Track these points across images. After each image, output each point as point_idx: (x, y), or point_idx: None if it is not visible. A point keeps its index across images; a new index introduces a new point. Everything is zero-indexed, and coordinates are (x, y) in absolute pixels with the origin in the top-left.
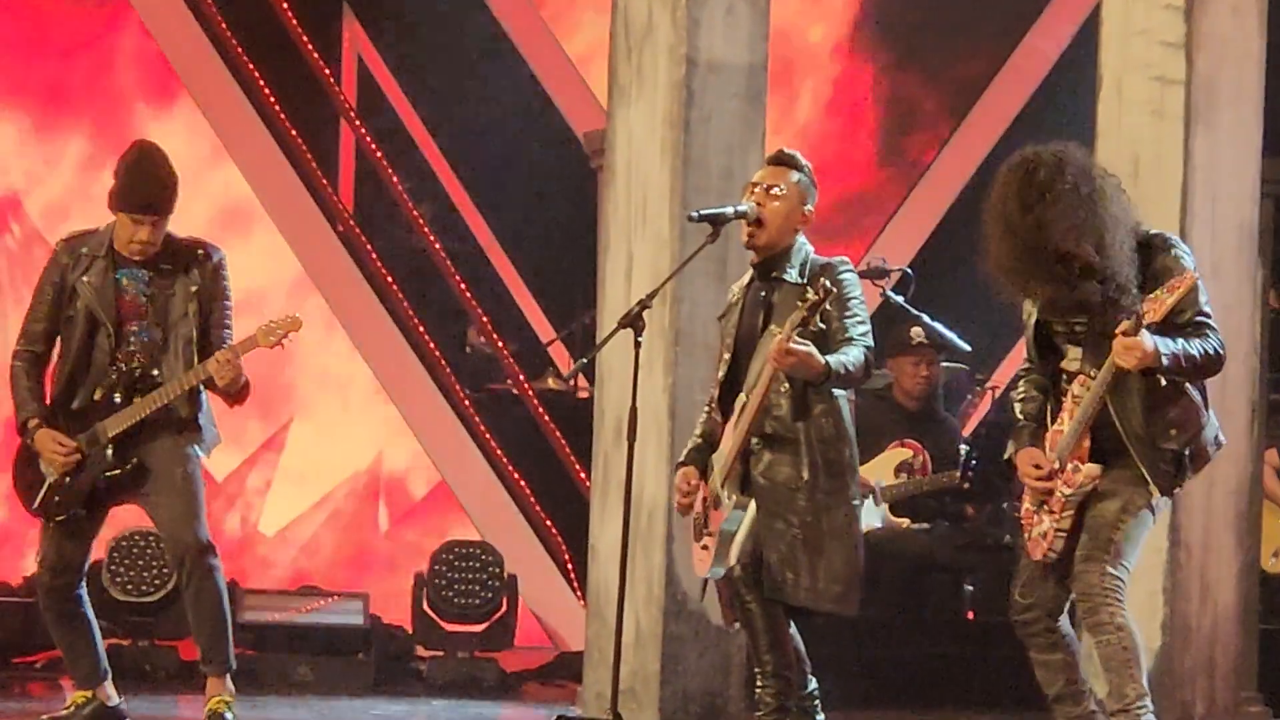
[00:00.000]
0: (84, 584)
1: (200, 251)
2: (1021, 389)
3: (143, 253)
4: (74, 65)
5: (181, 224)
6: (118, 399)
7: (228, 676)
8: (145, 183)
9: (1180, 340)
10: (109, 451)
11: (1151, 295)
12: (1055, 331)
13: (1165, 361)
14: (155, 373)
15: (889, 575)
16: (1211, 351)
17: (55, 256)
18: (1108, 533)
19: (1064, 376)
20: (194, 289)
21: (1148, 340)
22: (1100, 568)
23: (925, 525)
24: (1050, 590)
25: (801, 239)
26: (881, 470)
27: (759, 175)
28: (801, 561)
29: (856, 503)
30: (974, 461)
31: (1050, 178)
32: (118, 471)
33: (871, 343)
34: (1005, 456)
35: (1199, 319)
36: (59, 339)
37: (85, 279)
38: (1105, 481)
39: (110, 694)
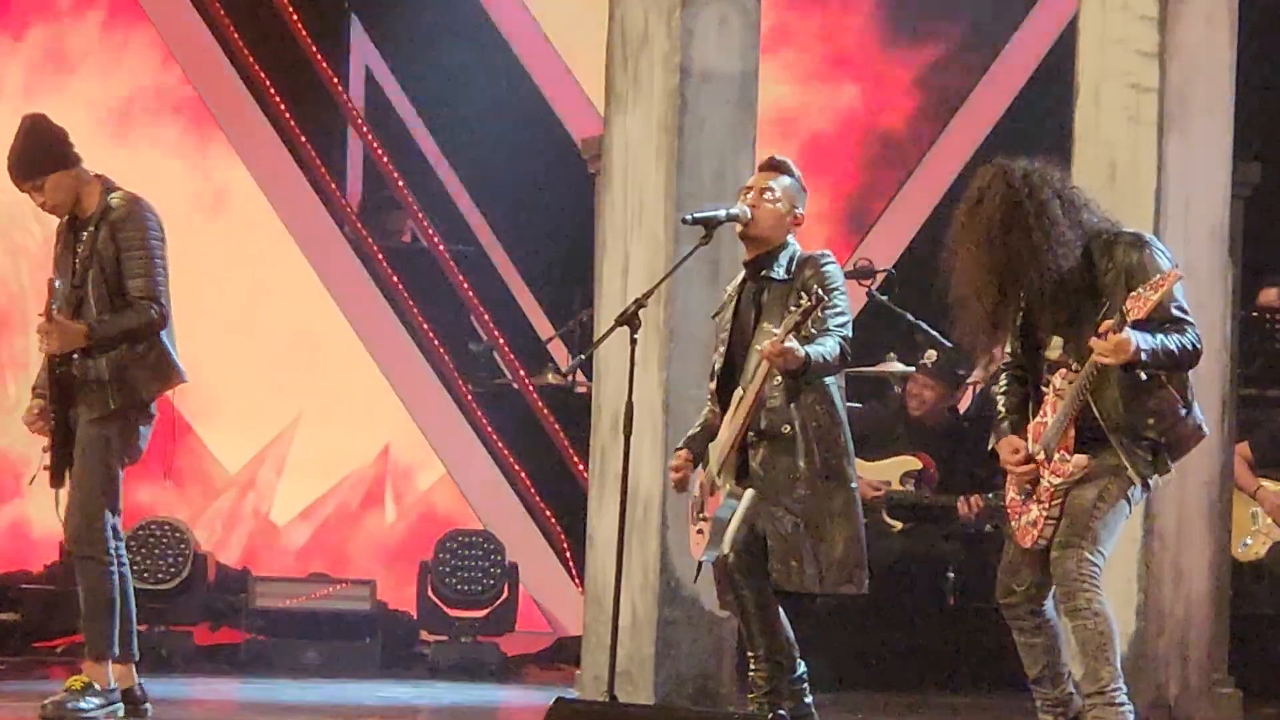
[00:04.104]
0: (110, 538)
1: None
2: (1003, 383)
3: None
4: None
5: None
6: None
7: (107, 664)
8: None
9: (1159, 335)
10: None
11: (1134, 293)
12: (1039, 323)
13: (1145, 357)
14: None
15: (873, 566)
16: (1189, 346)
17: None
18: (1085, 520)
19: (1046, 367)
20: None
21: (1130, 338)
22: (1078, 554)
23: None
24: (1034, 576)
25: (791, 239)
26: (889, 474)
27: (752, 180)
28: (805, 548)
29: (854, 485)
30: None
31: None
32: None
33: (849, 333)
34: (989, 448)
35: (1177, 314)
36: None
37: None
38: (1087, 469)
39: (112, 677)
